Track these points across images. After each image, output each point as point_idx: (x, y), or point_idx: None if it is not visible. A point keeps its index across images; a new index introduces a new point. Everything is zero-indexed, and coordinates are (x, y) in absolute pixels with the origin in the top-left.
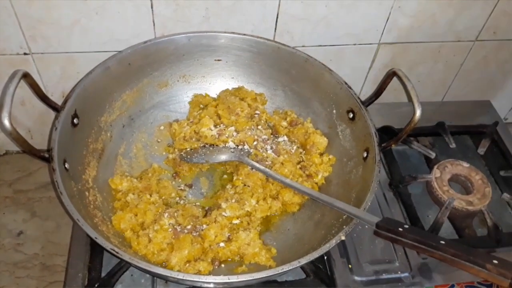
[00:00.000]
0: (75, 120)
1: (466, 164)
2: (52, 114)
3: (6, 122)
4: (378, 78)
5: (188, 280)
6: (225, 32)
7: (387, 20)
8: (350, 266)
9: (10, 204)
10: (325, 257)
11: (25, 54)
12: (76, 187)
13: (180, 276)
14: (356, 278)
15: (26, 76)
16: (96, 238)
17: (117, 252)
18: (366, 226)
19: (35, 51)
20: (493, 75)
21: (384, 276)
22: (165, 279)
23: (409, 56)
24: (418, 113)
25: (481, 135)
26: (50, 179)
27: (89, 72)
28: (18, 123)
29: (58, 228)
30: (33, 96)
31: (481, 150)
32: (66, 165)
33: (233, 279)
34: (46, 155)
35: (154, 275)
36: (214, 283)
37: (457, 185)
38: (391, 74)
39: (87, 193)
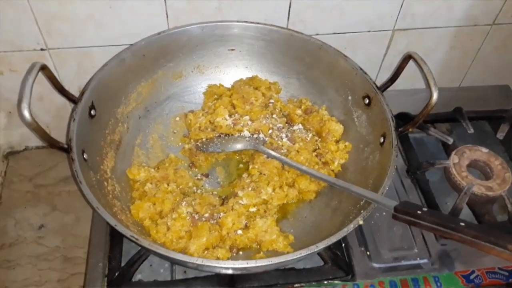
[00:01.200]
0: (92, 112)
1: (485, 150)
2: (69, 109)
3: (26, 113)
4: (393, 65)
5: (207, 266)
6: (238, 21)
7: (401, 6)
8: (368, 253)
9: (31, 198)
10: (343, 245)
11: (42, 49)
12: (95, 177)
13: (199, 261)
14: (375, 265)
15: (44, 68)
16: (115, 225)
17: (136, 239)
18: (384, 213)
19: (52, 46)
20: None
21: (403, 262)
22: (184, 265)
23: (425, 42)
24: (435, 96)
25: (500, 119)
26: (70, 169)
27: (104, 64)
28: (36, 119)
29: (78, 221)
30: (51, 92)
31: (500, 135)
32: (85, 156)
33: (252, 264)
34: (65, 146)
35: (173, 262)
36: (233, 268)
37: (476, 170)
38: (407, 58)
39: (105, 183)
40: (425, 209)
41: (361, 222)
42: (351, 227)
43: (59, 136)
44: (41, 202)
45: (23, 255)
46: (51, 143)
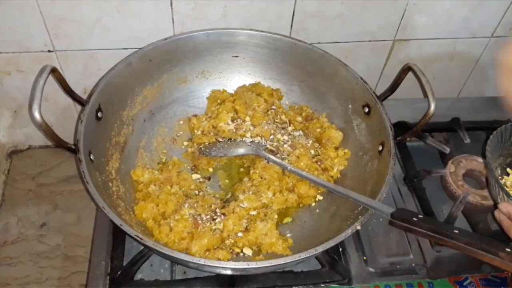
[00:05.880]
0: (99, 114)
1: (480, 160)
2: (73, 109)
3: (37, 115)
4: (393, 74)
5: (208, 266)
6: (243, 29)
7: (402, 17)
8: (365, 258)
9: (33, 197)
10: (341, 249)
11: (49, 51)
12: (101, 178)
13: (202, 261)
14: (371, 269)
15: (54, 71)
16: (121, 225)
17: (141, 238)
18: (381, 219)
19: (59, 48)
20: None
21: (399, 268)
22: (186, 265)
23: (424, 53)
24: (432, 106)
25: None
26: (77, 170)
27: (112, 67)
28: None
29: (79, 221)
30: (55, 92)
31: None
32: (91, 157)
33: (252, 265)
34: (73, 147)
35: (175, 261)
36: (233, 269)
37: (471, 180)
38: (406, 69)
39: (110, 184)
40: (421, 216)
41: (358, 227)
42: (349, 232)
43: (63, 135)
44: (43, 200)
45: (25, 253)
46: (59, 144)
